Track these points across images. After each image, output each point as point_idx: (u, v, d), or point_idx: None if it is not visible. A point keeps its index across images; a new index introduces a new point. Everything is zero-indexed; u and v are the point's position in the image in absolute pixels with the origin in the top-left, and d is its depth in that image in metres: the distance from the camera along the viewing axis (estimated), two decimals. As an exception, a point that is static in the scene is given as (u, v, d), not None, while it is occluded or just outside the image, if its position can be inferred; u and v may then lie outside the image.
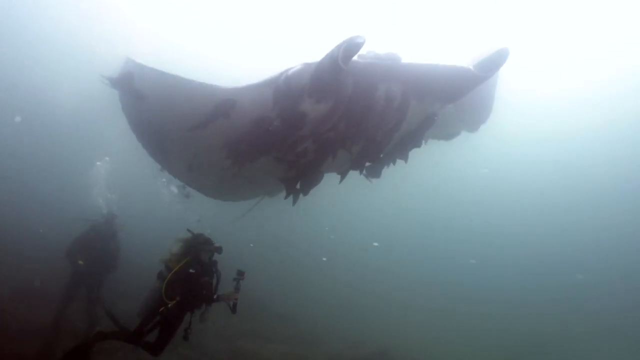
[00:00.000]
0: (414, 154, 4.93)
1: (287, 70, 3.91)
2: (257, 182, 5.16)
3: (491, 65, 3.86)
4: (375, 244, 22.26)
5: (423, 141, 4.86)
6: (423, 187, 26.22)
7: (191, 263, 4.48)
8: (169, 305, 4.25)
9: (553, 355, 12.22)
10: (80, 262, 6.14)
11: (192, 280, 4.43)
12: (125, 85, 4.15)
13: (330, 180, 5.06)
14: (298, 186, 4.85)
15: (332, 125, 4.08)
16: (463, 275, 22.96)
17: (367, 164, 4.75)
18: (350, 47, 3.31)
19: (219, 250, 4.64)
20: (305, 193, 4.87)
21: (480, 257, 25.61)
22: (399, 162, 4.95)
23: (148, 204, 16.37)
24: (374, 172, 4.92)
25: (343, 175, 4.94)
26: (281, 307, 11.51)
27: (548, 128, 26.08)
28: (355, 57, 3.56)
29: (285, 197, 4.99)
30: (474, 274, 23.28)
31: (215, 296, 4.49)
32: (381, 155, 4.66)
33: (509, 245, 27.16)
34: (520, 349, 12.30)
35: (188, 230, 4.77)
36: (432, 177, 23.59)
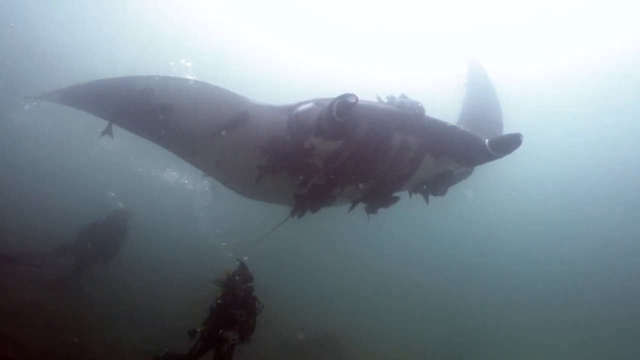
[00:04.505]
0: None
1: (299, 105, 4.11)
2: (277, 192, 5.20)
3: (503, 148, 3.93)
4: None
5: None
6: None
7: (223, 295, 4.67)
8: (198, 330, 4.53)
9: (501, 345, 12.81)
10: (89, 245, 6.99)
11: (221, 311, 4.59)
12: (143, 101, 4.20)
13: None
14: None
15: (341, 162, 4.15)
16: (416, 262, 23.94)
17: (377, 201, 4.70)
18: (342, 105, 3.58)
19: (245, 289, 4.69)
20: (314, 210, 4.90)
21: (435, 244, 26.83)
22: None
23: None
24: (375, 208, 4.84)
25: (353, 205, 4.90)
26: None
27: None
28: (376, 99, 3.90)
29: (293, 212, 5.02)
30: (426, 261, 24.36)
31: (221, 331, 4.47)
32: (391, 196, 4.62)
33: (463, 231, 28.38)
34: (466, 337, 12.93)
35: (238, 259, 4.91)
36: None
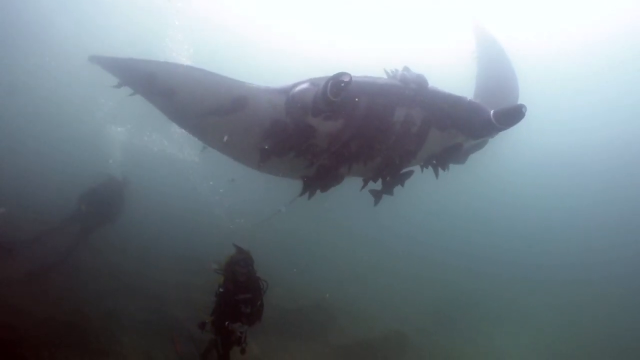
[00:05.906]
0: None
1: (295, 85, 4.01)
2: (286, 170, 5.15)
3: (507, 120, 3.88)
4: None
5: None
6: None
7: (224, 282, 4.60)
8: (206, 321, 4.53)
9: (488, 317, 13.13)
10: (82, 207, 7.31)
11: (224, 299, 4.54)
12: (146, 86, 4.22)
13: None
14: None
15: (345, 141, 4.11)
16: (406, 231, 24.36)
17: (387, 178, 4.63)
18: (336, 84, 3.51)
19: (246, 273, 4.59)
20: (324, 190, 4.86)
21: (424, 215, 27.18)
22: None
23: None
24: (389, 188, 4.74)
25: (365, 183, 4.82)
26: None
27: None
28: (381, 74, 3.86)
29: (301, 194, 4.94)
30: (416, 231, 24.77)
31: (227, 323, 4.41)
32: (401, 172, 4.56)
33: (457, 203, 28.87)
34: (455, 307, 13.31)
35: (234, 244, 4.81)
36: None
